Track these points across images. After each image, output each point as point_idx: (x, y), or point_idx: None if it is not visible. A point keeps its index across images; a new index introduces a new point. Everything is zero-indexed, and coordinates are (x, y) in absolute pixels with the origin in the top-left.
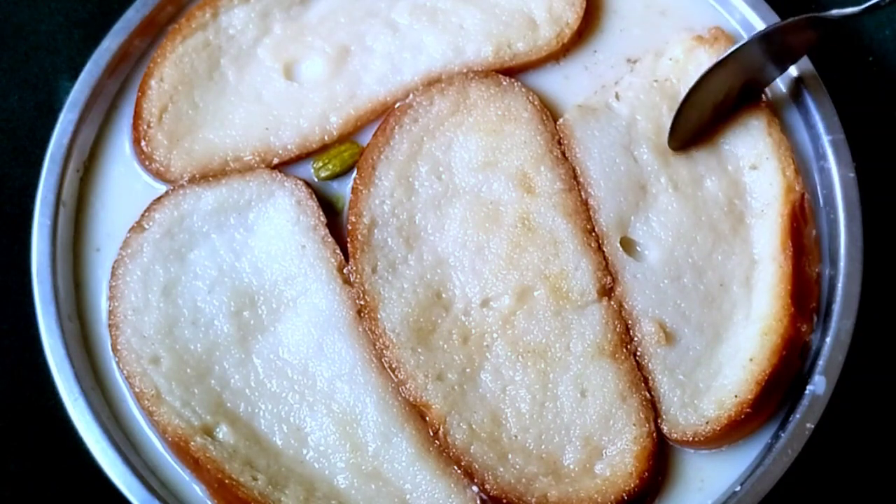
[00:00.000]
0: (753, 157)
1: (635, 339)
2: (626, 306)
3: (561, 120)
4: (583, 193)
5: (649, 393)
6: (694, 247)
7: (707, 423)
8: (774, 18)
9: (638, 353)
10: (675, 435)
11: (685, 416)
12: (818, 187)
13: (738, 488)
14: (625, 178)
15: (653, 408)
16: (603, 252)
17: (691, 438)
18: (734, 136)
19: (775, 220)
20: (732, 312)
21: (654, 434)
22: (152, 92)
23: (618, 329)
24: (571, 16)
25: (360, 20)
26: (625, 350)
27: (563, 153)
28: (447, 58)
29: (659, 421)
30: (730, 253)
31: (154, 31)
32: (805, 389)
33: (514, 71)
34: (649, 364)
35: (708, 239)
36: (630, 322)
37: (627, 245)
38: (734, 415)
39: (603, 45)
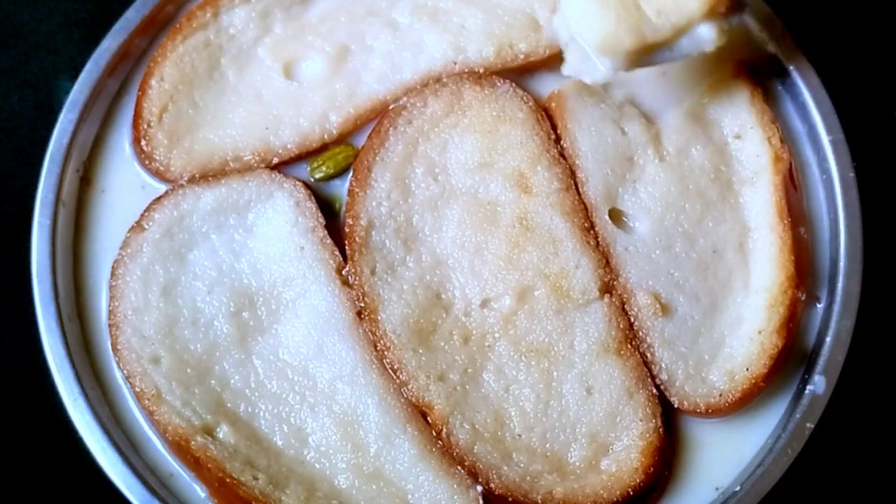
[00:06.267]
0: (737, 127)
1: (631, 313)
2: (619, 280)
3: (556, 90)
4: (572, 167)
5: (650, 372)
6: (683, 215)
7: (720, 395)
8: (777, 26)
9: (636, 326)
10: (687, 405)
11: (692, 386)
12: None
13: (738, 488)
14: (612, 151)
15: (654, 381)
16: (600, 247)
17: (704, 409)
18: (718, 106)
19: (767, 188)
20: (729, 279)
21: (661, 429)
22: (152, 91)
23: (622, 326)
24: None
25: (360, 19)
26: (629, 346)
27: (560, 153)
28: (448, 57)
29: (667, 394)
30: (720, 219)
31: (154, 31)
32: (805, 389)
33: (516, 72)
34: (648, 338)
35: (696, 206)
36: (625, 297)
37: (616, 217)
38: (747, 388)
39: None
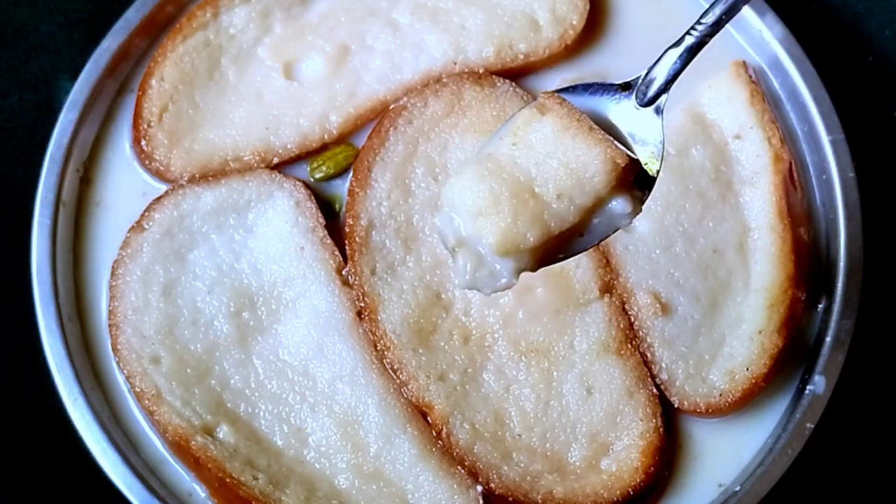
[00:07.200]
0: (737, 127)
1: (631, 312)
2: (620, 280)
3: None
4: None
5: (650, 372)
6: (683, 215)
7: (720, 395)
8: (777, 26)
9: (636, 326)
10: (687, 405)
11: (692, 386)
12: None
13: (738, 488)
14: None
15: (654, 381)
16: (600, 246)
17: (704, 409)
18: (718, 106)
19: (767, 188)
20: (729, 279)
21: (661, 429)
22: (153, 91)
23: (622, 325)
24: (575, 17)
25: (360, 19)
26: (629, 346)
27: None
28: (448, 58)
29: (667, 393)
30: (720, 219)
31: (154, 31)
32: (805, 389)
33: (516, 72)
34: (648, 337)
35: (696, 206)
36: (625, 296)
37: None
38: (747, 388)
39: (608, 46)
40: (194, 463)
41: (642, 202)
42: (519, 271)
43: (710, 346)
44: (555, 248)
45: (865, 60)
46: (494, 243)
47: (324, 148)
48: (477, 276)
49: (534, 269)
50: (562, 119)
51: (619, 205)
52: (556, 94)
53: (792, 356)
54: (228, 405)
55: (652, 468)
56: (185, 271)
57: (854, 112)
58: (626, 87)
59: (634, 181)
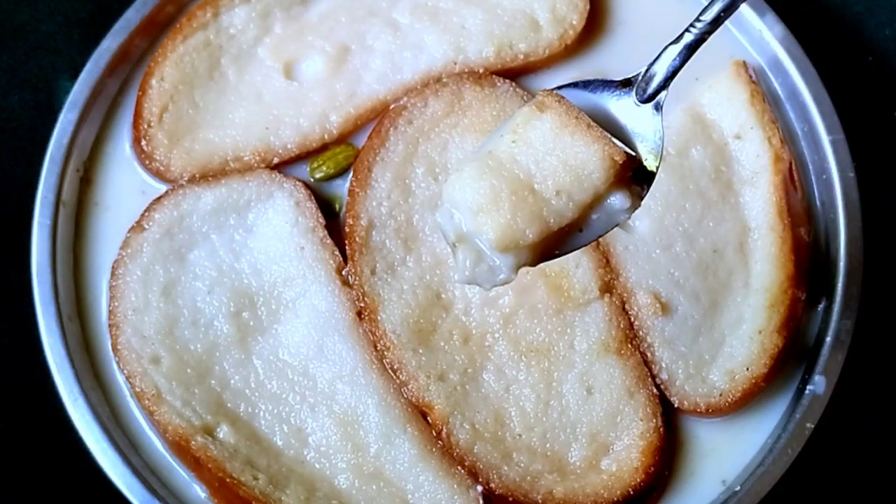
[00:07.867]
0: (737, 127)
1: (631, 312)
2: (620, 280)
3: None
4: None
5: (650, 371)
6: (683, 214)
7: (720, 395)
8: (777, 26)
9: (636, 326)
10: (687, 405)
11: (693, 386)
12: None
13: (737, 488)
14: None
15: (654, 380)
16: (601, 246)
17: (704, 409)
18: (718, 106)
19: (767, 188)
20: (729, 279)
21: (661, 429)
22: (153, 91)
23: (622, 325)
24: (575, 17)
25: (360, 19)
26: (630, 346)
27: None
28: (448, 57)
29: (667, 393)
30: (720, 219)
31: (154, 31)
32: (805, 389)
33: (516, 72)
34: (648, 337)
35: (696, 206)
36: (625, 296)
37: None
38: (747, 388)
39: (608, 46)
40: (194, 463)
41: (641, 198)
42: (518, 267)
43: (710, 346)
44: (554, 244)
45: (865, 60)
46: (494, 239)
47: (324, 148)
48: (476, 271)
49: (533, 265)
50: (560, 117)
51: (618, 200)
52: (554, 92)
53: (792, 356)
54: (228, 405)
55: (652, 468)
56: (185, 271)
57: (854, 112)
58: (626, 83)
59: (633, 176)
